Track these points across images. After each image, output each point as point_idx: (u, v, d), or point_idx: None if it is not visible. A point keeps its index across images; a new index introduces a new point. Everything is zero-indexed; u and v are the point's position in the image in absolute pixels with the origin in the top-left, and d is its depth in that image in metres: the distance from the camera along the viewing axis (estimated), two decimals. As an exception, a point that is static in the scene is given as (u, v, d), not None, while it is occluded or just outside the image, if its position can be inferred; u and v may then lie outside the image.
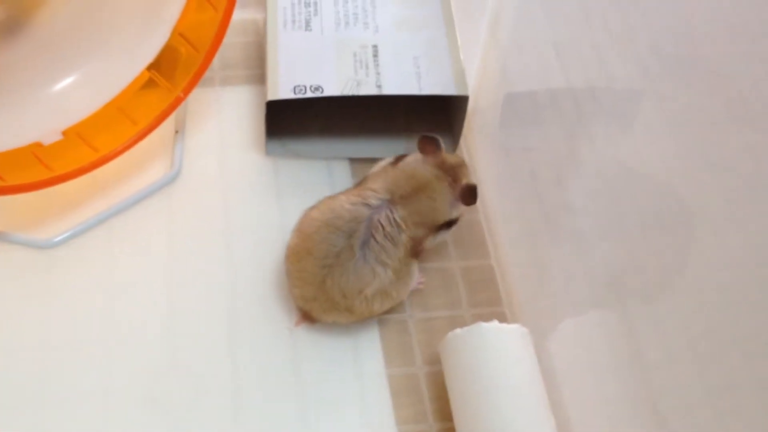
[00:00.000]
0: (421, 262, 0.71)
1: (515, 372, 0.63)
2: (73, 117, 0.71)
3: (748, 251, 0.44)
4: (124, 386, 0.67)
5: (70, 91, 0.73)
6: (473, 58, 0.79)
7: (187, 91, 0.73)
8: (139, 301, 0.71)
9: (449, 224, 0.70)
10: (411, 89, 0.76)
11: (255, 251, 0.75)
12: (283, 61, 0.78)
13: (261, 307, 0.72)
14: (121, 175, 0.77)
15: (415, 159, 0.70)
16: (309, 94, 0.75)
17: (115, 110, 0.72)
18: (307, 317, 0.70)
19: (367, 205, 0.67)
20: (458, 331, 0.65)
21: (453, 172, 0.69)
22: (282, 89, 0.76)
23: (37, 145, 0.69)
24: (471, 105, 0.78)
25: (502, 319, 0.71)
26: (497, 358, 0.63)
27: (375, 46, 0.79)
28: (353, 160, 0.81)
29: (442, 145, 0.71)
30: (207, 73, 0.73)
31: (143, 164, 0.78)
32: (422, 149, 0.70)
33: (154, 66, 0.73)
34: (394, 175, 0.69)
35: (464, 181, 0.70)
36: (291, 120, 0.82)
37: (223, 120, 0.83)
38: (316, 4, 0.82)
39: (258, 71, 0.86)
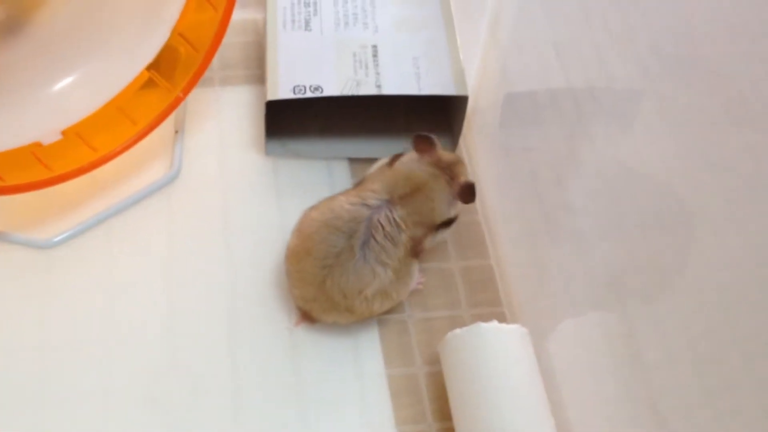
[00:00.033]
0: (421, 262, 0.71)
1: (515, 372, 0.63)
2: (73, 117, 0.71)
3: (748, 251, 0.44)
4: (123, 386, 0.67)
5: (70, 91, 0.73)
6: (473, 58, 0.79)
7: (187, 91, 0.73)
8: (138, 301, 0.71)
9: (448, 223, 0.70)
10: (410, 89, 0.76)
11: (255, 251, 0.75)
12: (282, 61, 0.78)
13: (261, 307, 0.72)
14: (121, 175, 0.77)
15: (410, 158, 0.70)
16: (309, 94, 0.75)
17: (115, 110, 0.72)
18: (306, 317, 0.70)
19: (367, 205, 0.67)
20: (458, 331, 0.65)
21: (450, 170, 0.69)
22: (282, 89, 0.76)
23: (37, 145, 0.69)
24: (471, 105, 0.78)
25: (502, 319, 0.71)
26: (497, 359, 0.63)
27: (375, 47, 0.79)
28: (353, 160, 0.81)
29: (437, 142, 0.70)
30: (206, 73, 0.73)
31: (143, 164, 0.78)
32: (417, 148, 0.70)
33: (154, 66, 0.73)
34: (392, 175, 0.69)
35: (462, 179, 0.69)
36: (291, 120, 0.82)
37: (223, 120, 0.83)
38: (315, 4, 0.82)
39: (257, 71, 0.86)
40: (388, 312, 0.70)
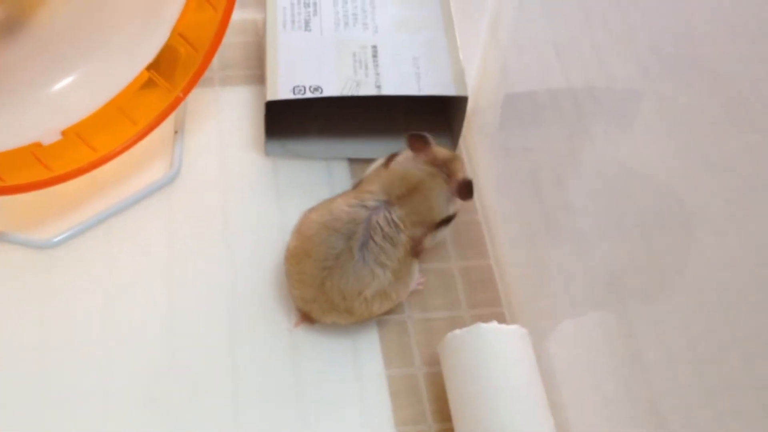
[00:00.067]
0: (421, 263, 0.71)
1: (514, 373, 0.63)
2: (73, 117, 0.71)
3: (748, 251, 0.44)
4: (123, 386, 0.67)
5: (70, 91, 0.73)
6: (473, 58, 0.79)
7: (187, 91, 0.73)
8: (138, 301, 0.71)
9: (447, 220, 0.70)
10: (410, 90, 0.76)
11: (254, 251, 0.75)
12: (282, 61, 0.78)
13: (260, 308, 0.72)
14: (121, 176, 0.77)
15: (405, 158, 0.70)
16: (308, 95, 0.75)
17: (115, 110, 0.72)
18: (306, 318, 0.70)
19: (365, 206, 0.67)
20: (457, 331, 0.65)
21: (446, 168, 0.69)
22: (281, 89, 0.76)
23: (37, 146, 0.69)
24: (470, 105, 0.78)
25: (501, 319, 0.71)
26: (496, 359, 0.63)
27: (374, 47, 0.79)
28: (352, 161, 0.81)
29: (432, 141, 0.70)
30: (206, 73, 0.73)
31: (143, 164, 0.78)
32: (412, 147, 0.70)
33: (154, 66, 0.73)
34: (388, 176, 0.69)
35: (460, 176, 0.69)
36: (290, 120, 0.82)
37: (223, 120, 0.83)
38: (315, 4, 0.82)
39: (257, 71, 0.86)
40: (388, 312, 0.70)
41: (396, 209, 0.67)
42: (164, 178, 0.78)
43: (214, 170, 0.79)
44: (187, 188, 0.78)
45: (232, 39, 0.86)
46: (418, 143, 0.70)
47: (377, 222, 0.66)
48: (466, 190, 0.69)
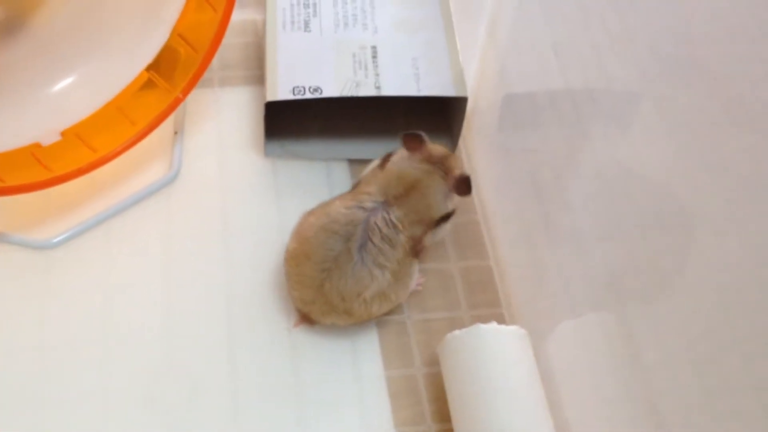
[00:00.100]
0: (420, 263, 0.71)
1: (514, 373, 0.63)
2: (72, 117, 0.71)
3: (747, 252, 0.44)
4: (123, 386, 0.67)
5: (69, 92, 0.73)
6: (472, 59, 0.79)
7: (186, 91, 0.73)
8: (137, 301, 0.71)
9: (447, 217, 0.70)
10: (410, 90, 0.76)
11: (254, 252, 0.75)
12: (282, 62, 0.78)
13: (260, 308, 0.72)
14: (120, 176, 0.77)
15: (401, 157, 0.70)
16: (308, 95, 0.75)
17: (114, 111, 0.72)
18: (306, 319, 0.70)
19: (363, 208, 0.66)
20: (457, 332, 0.65)
21: (443, 164, 0.69)
22: (281, 90, 0.76)
23: (36, 146, 0.69)
24: (470, 106, 0.78)
25: (501, 320, 0.71)
26: (496, 360, 0.63)
27: (374, 47, 0.79)
28: (352, 161, 0.81)
29: (427, 139, 0.70)
30: (206, 74, 0.73)
31: (142, 165, 0.78)
32: (407, 146, 0.70)
33: (153, 66, 0.73)
34: (385, 176, 0.69)
35: (457, 172, 0.69)
36: (290, 121, 0.82)
37: (222, 121, 0.83)
38: (315, 5, 0.82)
39: (257, 72, 0.86)
40: (387, 313, 0.70)
41: (394, 209, 0.67)
42: (164, 178, 0.78)
43: (213, 171, 0.79)
44: (187, 189, 0.78)
45: (231, 39, 0.86)
46: (413, 142, 0.70)
47: (375, 223, 0.66)
48: (463, 185, 0.68)
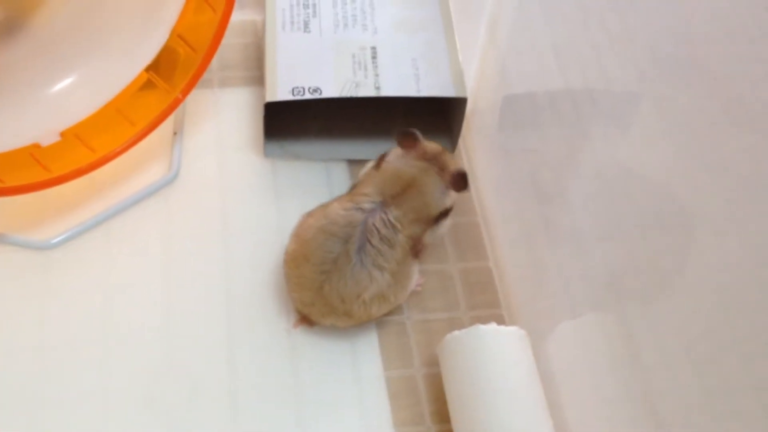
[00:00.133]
0: (420, 263, 0.71)
1: (513, 374, 0.63)
2: (72, 118, 0.71)
3: (747, 253, 0.44)
4: (122, 387, 0.67)
5: (69, 92, 0.73)
6: (472, 59, 0.79)
7: (186, 92, 0.73)
8: (137, 302, 0.71)
9: (445, 214, 0.70)
10: (409, 91, 0.76)
11: (253, 253, 0.74)
12: (281, 62, 0.78)
13: (259, 309, 0.72)
14: (119, 177, 0.77)
15: (396, 156, 0.70)
16: (307, 96, 0.75)
17: (114, 111, 0.72)
18: (305, 320, 0.70)
19: (361, 209, 0.66)
20: (456, 333, 0.65)
21: (438, 161, 0.69)
22: (280, 91, 0.76)
23: (35, 147, 0.69)
24: (470, 107, 0.78)
25: (500, 321, 0.71)
26: (495, 361, 0.63)
27: (374, 48, 0.79)
28: (352, 162, 0.81)
29: (421, 136, 0.70)
30: (205, 75, 0.73)
31: (141, 166, 0.78)
32: (401, 144, 0.70)
33: (153, 67, 0.73)
34: (381, 176, 0.69)
35: (452, 168, 0.69)
36: (289, 121, 0.82)
37: (222, 121, 0.83)
38: (314, 5, 0.82)
39: (256, 73, 0.86)
40: (387, 314, 0.70)
41: (392, 209, 0.67)
42: (163, 179, 0.77)
43: (213, 171, 0.79)
44: (186, 189, 0.78)
45: (231, 40, 0.86)
46: (407, 140, 0.70)
47: (373, 224, 0.66)
48: (460, 181, 0.68)
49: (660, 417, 0.52)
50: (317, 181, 0.79)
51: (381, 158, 0.70)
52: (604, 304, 0.59)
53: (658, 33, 0.51)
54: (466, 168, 0.81)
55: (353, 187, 0.70)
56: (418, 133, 0.70)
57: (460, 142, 0.81)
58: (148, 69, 0.73)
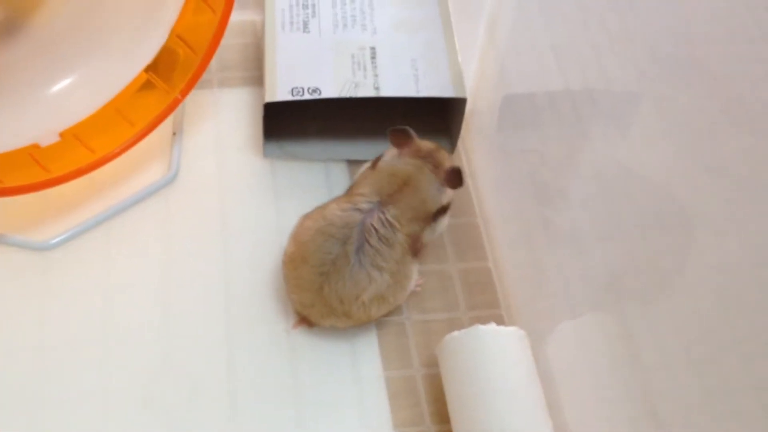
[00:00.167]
0: (420, 264, 0.71)
1: (513, 374, 0.63)
2: (71, 118, 0.71)
3: (747, 252, 0.44)
4: (121, 387, 0.67)
5: (69, 92, 0.73)
6: (471, 60, 0.79)
7: (185, 92, 0.73)
8: (136, 302, 0.71)
9: (443, 210, 0.70)
10: (409, 91, 0.76)
11: (252, 253, 0.74)
12: (281, 62, 0.78)
13: (258, 309, 0.72)
14: (119, 177, 0.77)
15: (391, 155, 0.70)
16: (307, 96, 0.75)
17: (113, 112, 0.72)
18: (304, 320, 0.70)
19: (358, 209, 0.67)
20: (456, 333, 0.65)
21: (432, 158, 0.69)
22: (280, 91, 0.76)
23: (35, 147, 0.69)
24: (469, 107, 0.78)
25: (500, 321, 0.71)
26: (495, 361, 0.63)
27: (373, 48, 0.79)
28: (351, 163, 0.81)
29: (414, 134, 0.70)
30: (205, 75, 0.73)
31: (141, 166, 0.78)
32: (395, 143, 0.70)
33: (152, 68, 0.73)
34: (377, 176, 0.69)
35: (447, 165, 0.69)
36: (289, 122, 0.82)
37: (221, 122, 0.83)
38: (314, 6, 0.82)
39: (256, 73, 0.86)
40: (387, 314, 0.70)
41: (390, 208, 0.67)
42: (162, 179, 0.77)
43: (212, 172, 0.79)
44: (186, 190, 0.78)
45: (230, 40, 0.86)
46: (400, 138, 0.70)
47: (371, 224, 0.66)
48: (455, 177, 0.69)
49: (660, 417, 0.52)
50: (316, 182, 0.79)
51: (377, 159, 0.70)
52: (603, 304, 0.59)
53: (658, 33, 0.51)
54: (466, 168, 0.81)
55: (350, 189, 0.70)
56: (411, 131, 0.70)
57: (460, 142, 0.81)
58: (148, 69, 0.73)
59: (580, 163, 0.61)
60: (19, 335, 0.69)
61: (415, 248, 0.68)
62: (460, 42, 0.79)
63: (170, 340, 0.69)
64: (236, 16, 0.74)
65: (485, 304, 0.73)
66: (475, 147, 0.81)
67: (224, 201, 0.78)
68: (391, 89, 0.76)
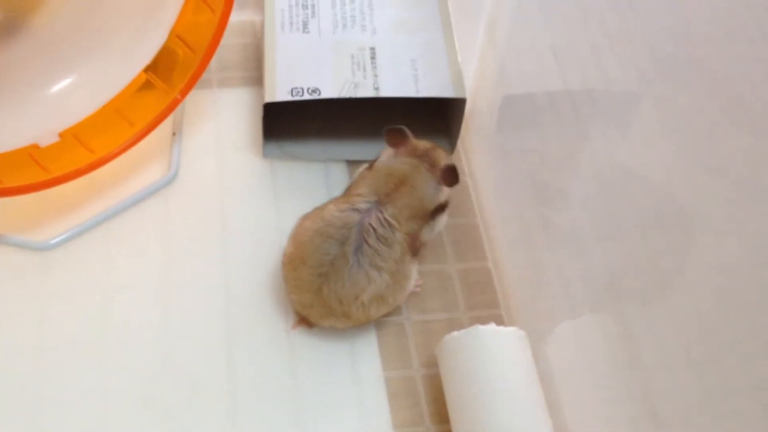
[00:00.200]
0: (419, 264, 0.71)
1: (512, 375, 0.63)
2: (71, 118, 0.71)
3: (747, 253, 0.44)
4: (121, 387, 0.67)
5: (68, 92, 0.73)
6: (471, 60, 0.79)
7: (185, 93, 0.73)
8: (136, 302, 0.71)
9: (441, 208, 0.70)
10: (408, 91, 0.76)
11: (252, 253, 0.74)
12: (280, 63, 0.78)
13: (258, 310, 0.72)
14: (118, 177, 0.77)
15: (387, 155, 0.70)
16: (306, 97, 0.75)
17: (113, 112, 0.72)
18: (304, 321, 0.70)
19: (356, 210, 0.67)
20: (455, 333, 0.65)
21: (428, 157, 0.69)
22: (279, 91, 0.76)
23: (34, 147, 0.69)
24: (468, 107, 0.78)
25: (500, 321, 0.71)
26: (494, 361, 0.63)
27: (372, 49, 0.79)
28: (350, 163, 0.81)
29: (409, 133, 0.70)
30: (204, 75, 0.73)
31: (140, 166, 0.78)
32: (391, 142, 0.70)
33: (151, 68, 0.73)
34: (374, 176, 0.69)
35: (443, 163, 0.69)
36: (288, 122, 0.82)
37: (221, 122, 0.83)
38: (313, 6, 0.82)
39: (255, 73, 0.86)
40: (386, 315, 0.70)
41: (388, 208, 0.67)
42: (162, 180, 0.77)
43: (211, 172, 0.79)
44: (185, 190, 0.78)
45: (230, 41, 0.86)
46: (396, 137, 0.70)
47: (369, 224, 0.66)
48: (451, 175, 0.69)
49: (660, 417, 0.52)
50: (316, 182, 0.79)
51: (374, 161, 0.71)
52: (603, 304, 0.59)
53: (658, 33, 0.51)
54: (466, 168, 0.81)
55: (348, 189, 0.70)
56: (407, 130, 0.70)
57: (459, 142, 0.81)
58: (147, 69, 0.73)
59: (580, 163, 0.61)
60: (19, 335, 0.69)
61: (415, 247, 0.68)
62: (459, 42, 0.79)
63: (170, 340, 0.69)
64: (236, 16, 0.74)
65: (485, 304, 0.73)
66: (475, 147, 0.81)
67: (224, 201, 0.78)
68: (390, 89, 0.76)
